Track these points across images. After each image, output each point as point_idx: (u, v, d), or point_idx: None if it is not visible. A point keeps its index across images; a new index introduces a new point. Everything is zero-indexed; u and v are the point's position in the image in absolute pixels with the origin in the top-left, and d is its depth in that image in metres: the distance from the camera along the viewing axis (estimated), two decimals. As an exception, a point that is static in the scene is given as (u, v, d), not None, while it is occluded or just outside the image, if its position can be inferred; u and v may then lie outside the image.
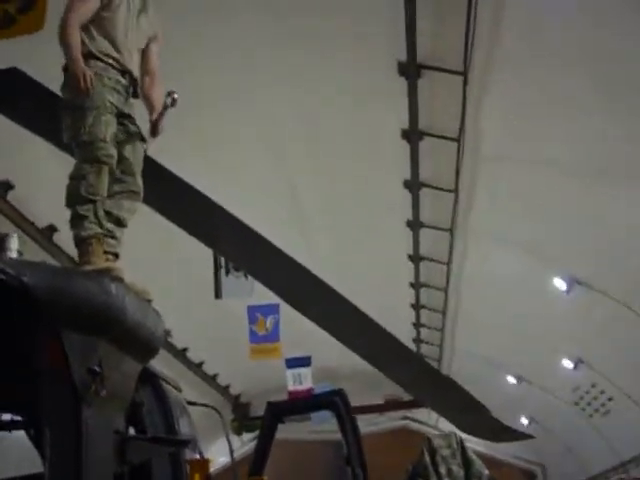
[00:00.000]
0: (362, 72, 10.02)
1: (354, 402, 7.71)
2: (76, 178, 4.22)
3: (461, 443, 3.50)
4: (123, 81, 4.51)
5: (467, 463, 3.45)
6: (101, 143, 4.23)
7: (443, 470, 3.44)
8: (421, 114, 10.44)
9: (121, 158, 4.42)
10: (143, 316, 3.83)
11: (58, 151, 5.13)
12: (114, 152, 4.32)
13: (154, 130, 4.71)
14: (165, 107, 4.67)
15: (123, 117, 4.49)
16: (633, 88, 8.93)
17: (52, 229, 12.37)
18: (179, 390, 4.84)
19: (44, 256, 11.70)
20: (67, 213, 4.31)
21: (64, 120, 4.38)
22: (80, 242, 4.15)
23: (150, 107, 4.75)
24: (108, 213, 4.31)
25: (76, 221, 4.19)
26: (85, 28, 4.48)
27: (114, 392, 3.59)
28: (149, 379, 4.39)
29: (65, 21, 4.40)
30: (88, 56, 4.39)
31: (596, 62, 8.78)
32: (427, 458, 3.52)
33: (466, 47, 8.93)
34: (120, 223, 4.42)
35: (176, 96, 4.63)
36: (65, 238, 12.34)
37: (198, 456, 4.58)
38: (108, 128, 4.31)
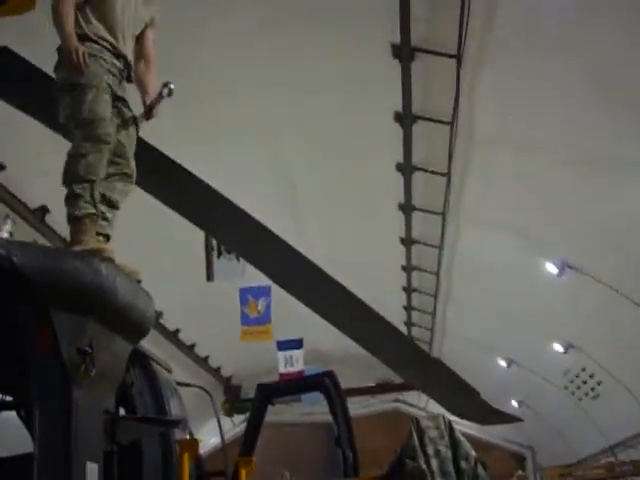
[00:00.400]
0: (356, 55, 9.99)
1: (345, 385, 7.74)
2: (75, 156, 4.20)
3: (449, 425, 3.53)
4: (118, 64, 4.50)
5: (455, 444, 3.48)
6: (102, 122, 4.22)
7: (431, 451, 3.46)
8: (414, 97, 10.42)
9: (115, 141, 4.42)
10: (134, 297, 3.84)
11: (50, 131, 5.11)
12: (113, 132, 4.33)
13: (148, 114, 4.70)
14: (161, 96, 4.66)
15: (118, 100, 4.49)
16: (628, 76, 8.92)
17: (44, 210, 12.35)
18: (169, 371, 4.86)
19: (36, 237, 11.69)
20: (60, 195, 4.30)
21: (62, 100, 4.36)
22: (74, 221, 4.14)
23: (144, 91, 4.74)
24: (101, 195, 4.31)
25: (71, 200, 4.18)
26: (80, 9, 4.45)
27: (104, 372, 3.60)
28: (140, 360, 4.41)
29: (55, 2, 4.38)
30: (83, 38, 4.37)
31: (592, 48, 8.76)
32: (415, 439, 3.55)
33: (460, 30, 8.90)
34: (113, 205, 4.42)
35: (172, 86, 4.63)
36: (57, 219, 12.34)
37: (188, 437, 4.60)
38: (107, 107, 4.31)
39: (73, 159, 4.20)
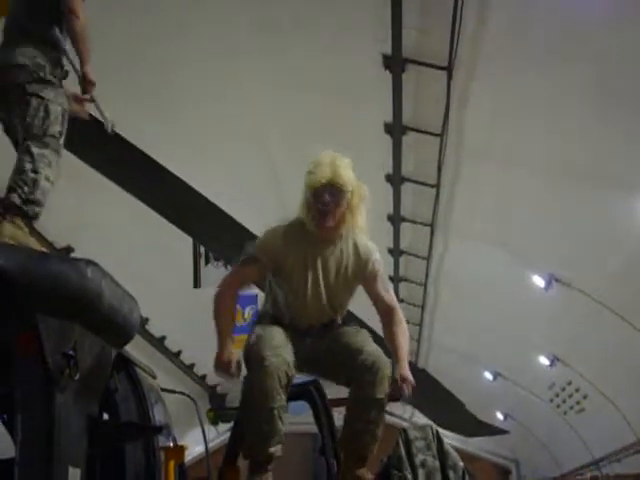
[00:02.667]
0: (346, 66, 10.00)
1: (331, 395, 7.70)
2: None
3: (437, 435, 3.49)
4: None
5: (442, 455, 3.44)
6: None
7: (418, 461, 3.44)
8: (405, 108, 10.44)
9: None
10: (119, 301, 3.81)
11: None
12: None
13: None
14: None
15: None
16: (622, 89, 8.96)
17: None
18: (154, 377, 4.82)
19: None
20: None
21: None
22: None
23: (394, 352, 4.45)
24: None
25: None
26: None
27: (88, 377, 3.57)
28: (124, 365, 4.38)
29: (216, 294, 4.41)
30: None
31: (582, 61, 8.81)
32: (402, 449, 3.52)
33: (452, 42, 8.93)
34: None
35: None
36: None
37: (172, 444, 4.57)
38: None
39: None
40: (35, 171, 4.08)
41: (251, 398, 4.11)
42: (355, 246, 4.48)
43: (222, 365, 4.10)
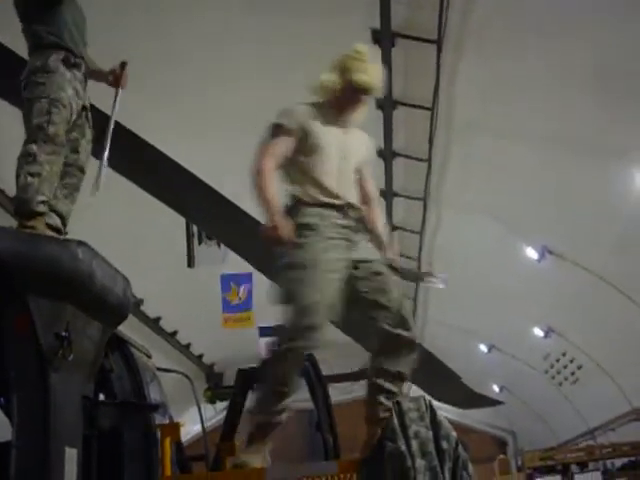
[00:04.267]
0: (336, 40, 9.91)
1: (327, 371, 7.74)
2: None
3: (430, 406, 3.51)
4: (343, 221, 4.46)
5: (435, 425, 3.46)
6: None
7: (411, 433, 3.45)
8: (395, 83, 10.40)
9: None
10: (111, 281, 3.82)
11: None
12: None
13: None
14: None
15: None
16: (613, 61, 8.94)
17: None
18: (149, 357, 4.84)
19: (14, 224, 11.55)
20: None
21: None
22: None
23: (377, 239, 4.66)
24: None
25: None
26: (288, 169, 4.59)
27: (82, 357, 3.58)
28: (119, 345, 4.39)
29: (257, 166, 4.51)
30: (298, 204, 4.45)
31: (575, 34, 8.77)
32: (396, 421, 3.53)
33: (440, 15, 8.88)
34: None
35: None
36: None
37: (168, 422, 4.60)
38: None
39: None
40: (17, 175, 4.15)
41: (272, 380, 4.16)
42: (359, 132, 4.94)
43: (276, 231, 4.16)
